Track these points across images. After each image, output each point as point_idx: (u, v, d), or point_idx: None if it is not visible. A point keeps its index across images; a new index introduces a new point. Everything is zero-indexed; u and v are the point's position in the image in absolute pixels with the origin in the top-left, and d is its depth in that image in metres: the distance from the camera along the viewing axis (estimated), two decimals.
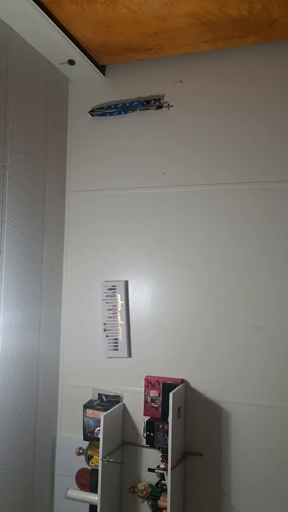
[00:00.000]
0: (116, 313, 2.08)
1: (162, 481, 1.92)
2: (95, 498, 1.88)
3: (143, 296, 2.07)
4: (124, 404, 2.05)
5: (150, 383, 1.98)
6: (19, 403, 1.85)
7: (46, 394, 2.05)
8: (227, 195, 1.98)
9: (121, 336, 2.06)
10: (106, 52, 2.03)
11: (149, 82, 2.12)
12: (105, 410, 1.94)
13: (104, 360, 2.09)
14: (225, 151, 2.00)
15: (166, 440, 1.84)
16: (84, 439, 2.04)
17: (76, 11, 1.72)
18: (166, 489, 1.82)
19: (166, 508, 1.79)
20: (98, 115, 2.16)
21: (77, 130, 2.23)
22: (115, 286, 2.09)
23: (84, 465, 2.02)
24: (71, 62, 2.04)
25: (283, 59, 1.94)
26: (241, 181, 1.96)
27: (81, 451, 2.02)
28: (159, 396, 1.95)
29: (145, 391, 1.98)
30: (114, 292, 2.09)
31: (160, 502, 1.87)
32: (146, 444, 1.93)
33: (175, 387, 1.86)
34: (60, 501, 2.05)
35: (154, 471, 1.91)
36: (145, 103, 2.08)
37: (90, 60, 2.06)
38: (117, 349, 2.07)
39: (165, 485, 1.89)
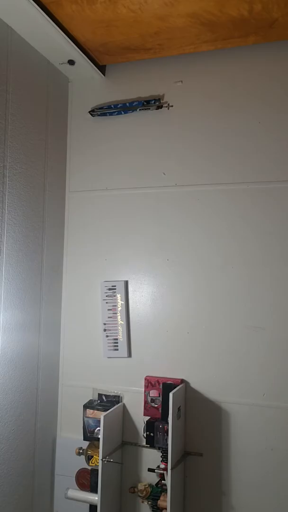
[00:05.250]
0: (116, 313, 2.08)
1: (162, 481, 1.92)
2: (95, 498, 1.88)
3: (143, 296, 2.07)
4: (124, 404, 2.05)
5: (150, 383, 1.98)
6: (19, 403, 1.85)
7: (46, 394, 2.05)
8: (227, 195, 1.98)
9: (121, 336, 2.06)
10: (106, 52, 2.03)
11: (149, 82, 2.12)
12: (105, 410, 1.94)
13: (104, 360, 2.09)
14: (225, 151, 2.00)
15: (166, 440, 1.84)
16: (84, 439, 2.04)
17: (76, 11, 1.73)
18: (166, 489, 1.82)
19: (166, 508, 1.79)
20: (98, 115, 2.16)
21: (77, 130, 2.23)
22: (115, 286, 2.09)
23: (84, 465, 2.02)
24: (71, 62, 2.04)
25: (283, 59, 1.94)
26: (241, 181, 1.96)
27: (81, 451, 2.02)
28: (159, 396, 1.95)
29: (145, 391, 1.98)
30: (114, 292, 2.09)
31: (160, 502, 1.87)
32: (146, 444, 1.93)
33: (175, 387, 1.87)
34: (60, 501, 2.05)
35: (154, 471, 1.91)
36: (145, 103, 2.08)
37: (90, 60, 2.06)
38: (117, 349, 2.07)
39: (165, 485, 1.89)
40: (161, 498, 1.88)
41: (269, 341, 1.87)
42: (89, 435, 2.03)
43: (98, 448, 1.88)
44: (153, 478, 1.96)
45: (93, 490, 1.97)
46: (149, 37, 1.89)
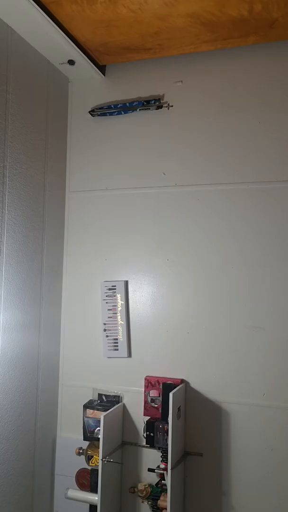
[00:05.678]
0: (116, 313, 2.08)
1: (162, 481, 1.92)
2: (95, 498, 1.88)
3: (143, 296, 2.07)
4: (124, 404, 2.05)
5: (150, 383, 1.98)
6: (19, 403, 1.85)
7: (46, 394, 2.05)
8: (227, 195, 1.98)
9: (121, 336, 2.06)
10: (106, 52, 2.03)
11: (149, 82, 2.12)
12: (105, 410, 1.94)
13: (104, 360, 2.09)
14: (225, 151, 2.00)
15: (166, 440, 1.84)
16: (84, 439, 2.04)
17: (76, 11, 1.73)
18: (166, 489, 1.82)
19: (166, 508, 1.79)
20: (98, 115, 2.16)
21: (77, 130, 2.23)
22: (115, 286, 2.09)
23: (84, 465, 2.02)
24: (71, 62, 2.04)
25: (283, 59, 1.94)
26: (241, 181, 1.96)
27: (81, 451, 2.02)
28: (159, 396, 1.95)
29: (145, 391, 1.98)
30: (114, 292, 2.09)
31: (160, 502, 1.87)
32: (146, 444, 1.93)
33: (175, 387, 1.86)
34: (60, 501, 2.05)
35: (154, 471, 1.91)
36: (145, 103, 2.08)
37: (90, 60, 2.06)
38: (117, 349, 2.07)
39: (165, 485, 1.89)
40: (161, 498, 1.88)
41: (269, 341, 1.87)
42: (89, 435, 2.03)
43: (98, 448, 1.88)
44: (153, 478, 1.96)
45: (93, 490, 1.97)
46: (149, 37, 1.89)
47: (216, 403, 1.92)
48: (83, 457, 2.02)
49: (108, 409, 1.94)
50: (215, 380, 1.93)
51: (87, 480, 2.02)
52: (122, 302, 2.08)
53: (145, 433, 1.94)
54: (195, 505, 1.92)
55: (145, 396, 1.98)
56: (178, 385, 1.90)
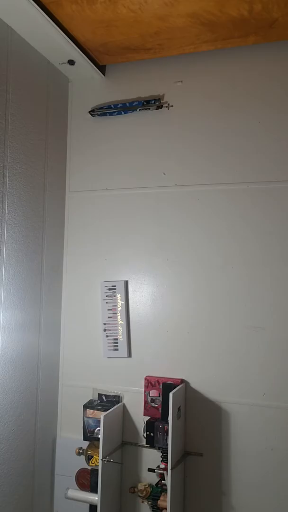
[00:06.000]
0: (116, 313, 2.08)
1: (162, 481, 1.92)
2: (95, 498, 1.88)
3: (143, 296, 2.07)
4: (124, 404, 2.05)
5: (150, 383, 1.98)
6: (19, 403, 1.85)
7: (46, 394, 2.05)
8: (227, 195, 1.98)
9: (121, 336, 2.06)
10: (106, 52, 2.03)
11: (149, 82, 2.12)
12: (105, 410, 1.94)
13: (104, 360, 2.09)
14: (225, 151, 2.00)
15: (166, 440, 1.84)
16: (84, 439, 2.04)
17: (76, 11, 1.73)
18: (166, 489, 1.82)
19: (166, 508, 1.79)
20: (98, 115, 2.17)
21: (77, 130, 2.23)
22: (115, 286, 2.09)
23: (84, 465, 2.02)
24: (71, 62, 2.04)
25: (283, 59, 1.94)
26: (241, 181, 1.96)
27: (81, 451, 2.02)
28: (159, 396, 1.95)
29: (145, 391, 1.98)
30: (114, 292, 2.09)
31: (160, 502, 1.87)
32: (146, 444, 1.93)
33: (175, 387, 1.87)
34: (60, 501, 2.05)
35: (154, 471, 1.91)
36: (145, 103, 2.08)
37: (90, 60, 2.06)
38: (117, 349, 2.07)
39: (165, 485, 1.89)
40: (161, 498, 1.88)
41: (269, 341, 1.87)
42: (89, 435, 2.03)
43: (98, 448, 1.88)
44: (153, 478, 1.96)
45: (93, 490, 1.97)
46: (149, 37, 1.89)
47: (216, 403, 1.92)
48: (83, 457, 2.02)
49: (108, 409, 1.94)
50: (215, 380, 1.93)
51: (87, 480, 2.02)
52: (122, 302, 2.08)
53: (145, 433, 1.94)
54: (195, 505, 1.92)
55: (145, 396, 1.98)
56: (178, 385, 1.90)
